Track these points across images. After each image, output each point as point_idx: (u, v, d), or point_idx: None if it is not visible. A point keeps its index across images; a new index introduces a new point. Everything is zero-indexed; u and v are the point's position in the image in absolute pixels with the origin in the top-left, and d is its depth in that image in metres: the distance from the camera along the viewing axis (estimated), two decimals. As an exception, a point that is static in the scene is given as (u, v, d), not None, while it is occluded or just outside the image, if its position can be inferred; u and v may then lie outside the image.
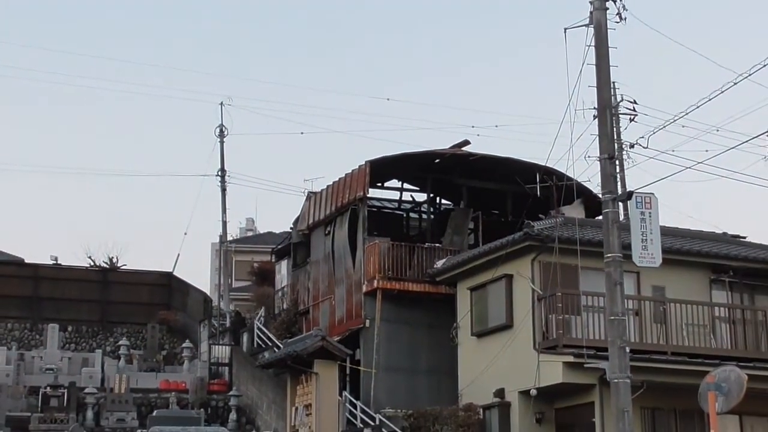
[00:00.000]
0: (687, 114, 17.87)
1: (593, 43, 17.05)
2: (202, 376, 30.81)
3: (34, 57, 77.20)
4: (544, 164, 21.39)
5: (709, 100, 17.18)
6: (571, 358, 20.47)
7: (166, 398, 28.60)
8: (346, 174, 28.24)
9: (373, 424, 23.48)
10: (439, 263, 25.91)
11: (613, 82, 22.58)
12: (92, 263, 40.71)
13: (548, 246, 21.29)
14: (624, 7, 17.01)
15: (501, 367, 22.55)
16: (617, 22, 17.05)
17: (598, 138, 16.99)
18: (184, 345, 34.08)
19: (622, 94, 28.05)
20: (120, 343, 34.46)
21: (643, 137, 18.25)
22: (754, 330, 23.33)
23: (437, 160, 28.21)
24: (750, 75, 16.50)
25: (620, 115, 26.98)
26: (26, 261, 39.82)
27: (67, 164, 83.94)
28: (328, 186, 29.47)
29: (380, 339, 26.02)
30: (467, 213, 29.06)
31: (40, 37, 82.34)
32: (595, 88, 17.08)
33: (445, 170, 28.60)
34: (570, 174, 20.52)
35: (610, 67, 17.09)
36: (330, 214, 28.98)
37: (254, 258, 43.42)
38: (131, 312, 38.43)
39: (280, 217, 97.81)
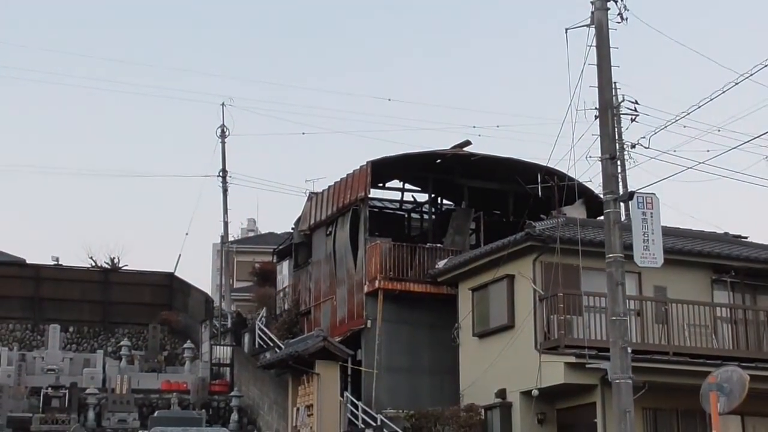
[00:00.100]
0: (688, 114, 17.88)
1: (594, 44, 17.06)
2: (204, 376, 30.81)
3: (34, 57, 77.26)
4: (545, 164, 21.39)
5: (711, 100, 17.19)
6: (572, 359, 20.47)
7: (167, 399, 28.60)
8: (347, 174, 28.26)
9: (374, 424, 23.47)
10: (441, 264, 25.91)
11: (615, 83, 22.65)
12: (94, 264, 40.71)
13: (550, 246, 21.28)
14: (625, 7, 17.03)
15: (502, 367, 22.55)
16: (618, 23, 17.08)
17: (599, 138, 17.00)
18: (185, 345, 34.06)
19: (623, 95, 28.06)
20: (121, 343, 34.43)
21: (644, 137, 18.25)
22: (755, 330, 23.33)
23: (439, 161, 28.21)
24: (751, 75, 16.51)
25: (621, 116, 27.00)
26: (28, 261, 39.78)
27: (68, 165, 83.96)
28: (329, 186, 29.49)
29: (382, 339, 26.03)
30: (469, 213, 29.07)
31: (40, 37, 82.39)
32: (597, 89, 17.09)
33: (447, 170, 28.61)
34: (571, 174, 20.55)
35: (612, 68, 17.10)
36: (331, 215, 28.99)
37: (255, 258, 43.42)
38: (133, 312, 38.41)
39: (281, 217, 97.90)
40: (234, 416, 28.10)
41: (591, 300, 21.38)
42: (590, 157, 17.33)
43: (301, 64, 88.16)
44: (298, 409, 23.23)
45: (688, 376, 20.10)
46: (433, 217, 30.48)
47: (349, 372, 26.29)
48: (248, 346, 31.20)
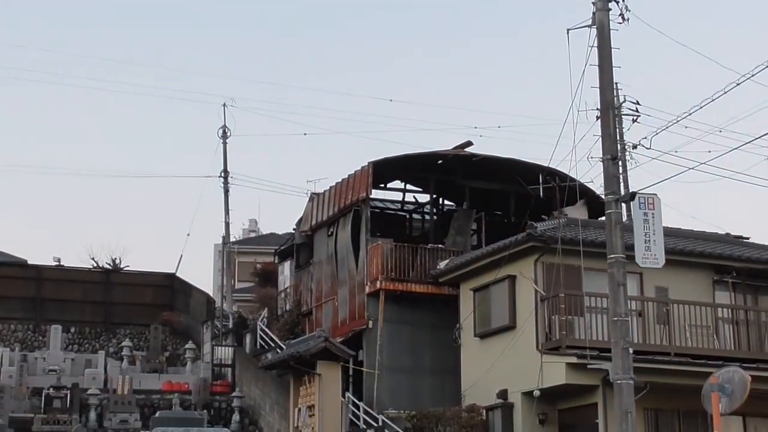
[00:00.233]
0: (690, 115, 17.85)
1: (596, 44, 17.05)
2: (205, 377, 30.83)
3: (34, 57, 77.30)
4: (547, 165, 21.38)
5: (712, 100, 17.17)
6: (574, 359, 20.46)
7: (169, 399, 28.61)
8: (348, 175, 28.27)
9: (376, 425, 23.47)
10: (442, 264, 25.90)
11: (616, 83, 22.58)
12: (95, 264, 40.73)
13: (551, 247, 21.28)
14: (626, 7, 17.02)
15: (504, 368, 22.54)
16: (620, 23, 17.07)
17: (600, 139, 16.99)
18: (186, 346, 34.08)
19: (624, 95, 27.96)
20: (123, 344, 34.45)
21: (645, 138, 18.22)
22: (757, 331, 23.32)
23: (440, 161, 28.21)
24: (753, 76, 16.49)
25: (623, 116, 26.98)
26: (29, 262, 39.82)
27: (69, 165, 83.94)
28: (330, 187, 29.49)
29: (383, 340, 26.03)
30: (470, 214, 29.06)
31: (40, 37, 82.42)
32: (598, 89, 17.08)
33: (448, 171, 28.61)
34: (573, 175, 20.58)
35: (613, 68, 17.10)
36: (333, 215, 29.00)
37: (257, 259, 43.45)
38: (134, 313, 38.45)
39: (282, 218, 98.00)
40: (235, 417, 28.10)
41: (592, 300, 21.38)
42: (592, 157, 17.32)
43: (301, 64, 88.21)
44: (299, 410, 23.23)
45: (690, 376, 20.09)
46: (435, 217, 30.47)
47: (351, 372, 26.27)
48: (250, 347, 31.20)
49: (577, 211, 24.71)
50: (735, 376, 16.66)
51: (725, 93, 16.88)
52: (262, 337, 30.73)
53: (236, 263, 44.24)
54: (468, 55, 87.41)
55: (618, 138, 20.30)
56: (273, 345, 29.38)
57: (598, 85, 17.06)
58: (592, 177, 25.68)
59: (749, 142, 17.60)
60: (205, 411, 27.77)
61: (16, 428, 25.51)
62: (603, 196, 17.44)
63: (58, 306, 37.90)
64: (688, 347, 22.13)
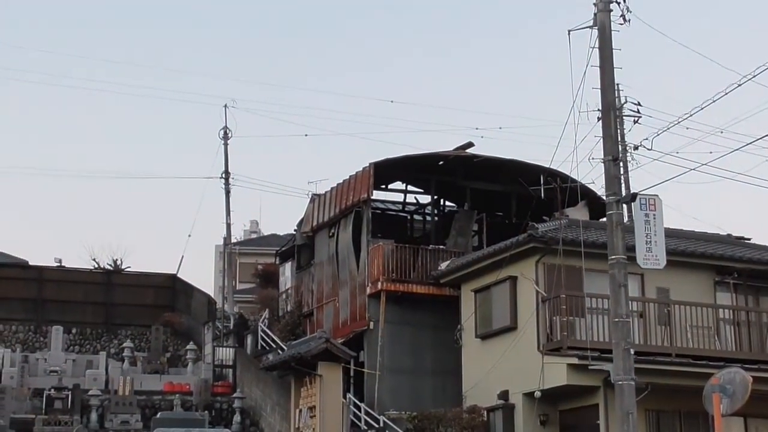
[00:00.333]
0: (691, 116, 17.82)
1: (597, 45, 17.04)
2: (206, 378, 30.83)
3: (35, 58, 77.30)
4: (548, 166, 21.38)
5: (713, 101, 17.14)
6: (575, 360, 20.46)
7: (170, 400, 28.61)
8: (350, 176, 28.27)
9: (377, 426, 23.48)
10: (443, 265, 25.90)
11: (617, 84, 22.56)
12: (96, 265, 40.77)
13: (552, 248, 21.27)
14: (628, 8, 17.01)
15: (505, 369, 22.54)
16: (621, 24, 17.06)
17: (602, 140, 16.98)
18: (188, 347, 34.10)
19: (626, 96, 27.92)
20: (124, 345, 34.48)
21: (647, 139, 18.22)
22: (758, 332, 23.31)
23: (441, 162, 28.20)
24: (754, 77, 16.45)
25: (624, 117, 26.96)
26: (30, 263, 39.86)
27: (71, 167, 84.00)
28: (332, 188, 29.49)
29: (384, 341, 26.03)
30: (471, 215, 29.06)
31: (40, 38, 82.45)
32: (599, 90, 17.07)
33: (449, 172, 28.61)
34: (574, 176, 20.56)
35: (614, 69, 17.09)
36: (334, 216, 29.00)
37: (258, 260, 43.48)
38: (135, 314, 38.47)
39: (284, 219, 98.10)
40: (236, 418, 28.10)
41: (593, 301, 21.37)
42: (593, 158, 17.31)
43: (301, 65, 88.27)
44: (300, 411, 23.22)
45: (691, 377, 20.08)
46: (436, 218, 30.47)
47: (352, 373, 26.27)
48: (251, 348, 31.21)
49: (579, 212, 24.70)
50: (736, 377, 16.65)
51: (726, 94, 16.86)
52: (263, 338, 30.75)
53: (237, 264, 44.29)
54: (468, 56, 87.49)
55: (619, 139, 20.33)
56: (274, 346, 29.40)
57: (599, 86, 17.06)
58: (594, 178, 25.66)
59: (751, 143, 17.61)
60: (206, 412, 27.74)
61: (17, 429, 25.51)
62: (604, 197, 17.45)
63: (59, 307, 37.94)
64: (689, 348, 22.12)
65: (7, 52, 75.62)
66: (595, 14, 17.09)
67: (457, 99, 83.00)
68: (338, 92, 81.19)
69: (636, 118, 26.38)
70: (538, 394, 21.22)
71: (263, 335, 30.81)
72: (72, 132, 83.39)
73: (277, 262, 35.85)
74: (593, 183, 23.10)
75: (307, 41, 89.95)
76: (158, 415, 25.57)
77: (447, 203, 31.60)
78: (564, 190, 22.94)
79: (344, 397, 23.87)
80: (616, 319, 16.44)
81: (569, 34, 16.90)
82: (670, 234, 21.23)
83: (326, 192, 29.86)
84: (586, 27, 17.04)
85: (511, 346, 22.51)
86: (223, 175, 38.48)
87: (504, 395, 22.47)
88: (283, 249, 34.77)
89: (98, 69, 70.14)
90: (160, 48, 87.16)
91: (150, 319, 37.23)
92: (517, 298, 22.90)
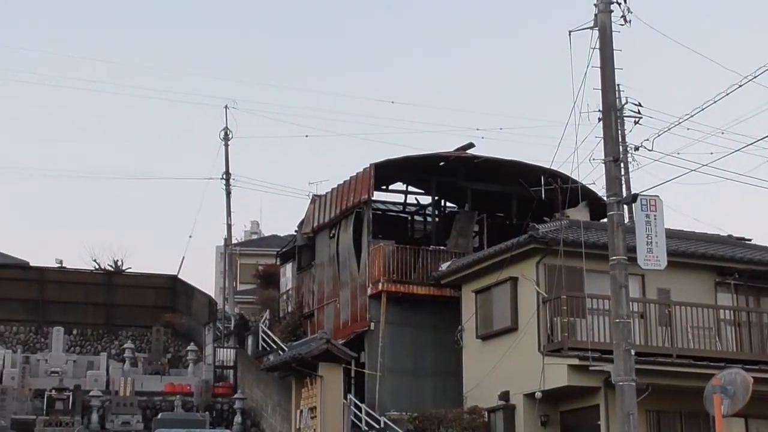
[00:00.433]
0: (692, 116, 17.86)
1: (598, 46, 17.05)
2: (207, 379, 30.83)
3: (35, 59, 77.30)
4: (548, 167, 21.40)
5: (714, 102, 17.16)
6: (576, 361, 20.47)
7: (170, 401, 28.62)
8: (350, 177, 28.27)
9: (378, 426, 23.49)
10: (444, 266, 25.91)
11: (618, 85, 22.59)
12: (97, 266, 40.77)
13: (553, 249, 21.28)
14: (629, 9, 17.02)
15: (506, 369, 22.54)
16: (622, 25, 17.06)
17: (602, 140, 16.99)
18: (188, 348, 34.09)
19: (626, 97, 27.98)
20: (125, 346, 34.49)
21: (648, 140, 18.28)
22: (759, 332, 23.32)
23: (442, 163, 28.21)
24: (755, 77, 16.48)
25: (625, 118, 26.99)
26: (31, 264, 39.87)
27: (71, 167, 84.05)
28: (332, 189, 29.50)
29: (385, 342, 26.03)
30: (472, 216, 29.06)
31: (40, 38, 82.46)
32: (600, 91, 17.07)
33: (450, 173, 28.61)
34: (575, 176, 20.60)
35: (615, 70, 17.09)
36: (335, 217, 29.01)
37: (259, 261, 43.49)
38: (136, 315, 38.48)
39: (284, 220, 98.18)
40: (237, 418, 28.10)
41: (594, 302, 21.38)
42: (593, 159, 17.35)
43: (301, 65, 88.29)
44: (301, 412, 23.22)
45: (692, 378, 20.09)
46: (437, 219, 30.47)
47: (353, 374, 26.28)
48: (251, 349, 31.22)
49: (579, 213, 24.71)
50: (737, 378, 16.65)
51: (727, 95, 16.89)
52: (264, 339, 30.76)
53: (238, 265, 44.29)
54: (468, 56, 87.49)
55: (620, 140, 20.32)
56: (275, 347, 29.40)
57: (599, 87, 17.06)
58: (594, 179, 25.68)
59: (751, 143, 17.65)
60: (207, 413, 27.74)
61: (18, 430, 25.51)
62: (605, 198, 17.45)
63: (60, 308, 37.96)
64: (690, 349, 22.12)
65: (7, 52, 75.67)
66: (595, 15, 17.09)
67: (457, 99, 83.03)
68: (338, 93, 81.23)
69: (637, 119, 26.45)
70: (538, 394, 21.23)
71: (264, 336, 30.81)
72: (72, 132, 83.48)
73: (278, 263, 35.85)
74: (594, 184, 23.14)
75: (307, 41, 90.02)
76: (159, 416, 25.58)
77: (448, 204, 31.60)
78: (565, 190, 22.95)
79: (345, 397, 23.87)
80: (617, 320, 16.44)
81: (570, 34, 16.92)
82: (671, 235, 21.24)
83: (327, 193, 29.87)
84: (587, 28, 17.05)
85: (511, 347, 22.52)
86: (224, 176, 38.49)
87: (505, 396, 22.48)
88: (284, 250, 34.78)
89: (98, 69, 70.11)
90: (161, 48, 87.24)
91: (151, 320, 37.23)
92: (518, 298, 22.90)
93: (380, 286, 26.17)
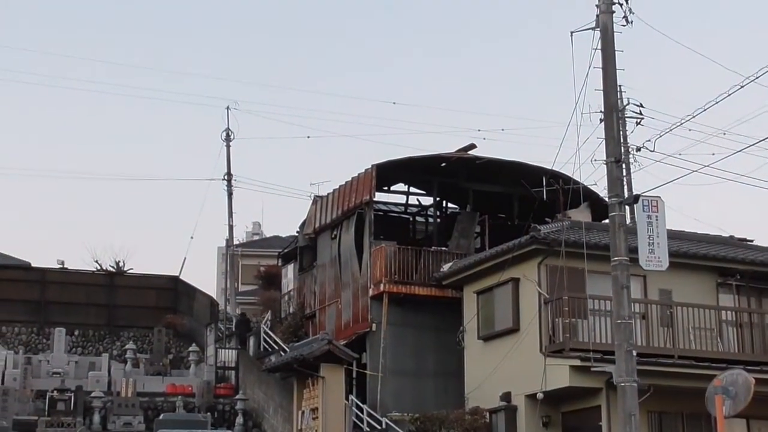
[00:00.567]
0: (693, 117, 17.83)
1: (600, 47, 17.05)
2: (209, 379, 30.83)
3: (35, 59, 77.37)
4: (550, 167, 21.35)
5: (716, 103, 17.13)
6: (577, 362, 20.46)
7: (172, 402, 28.62)
8: (352, 178, 28.27)
9: (379, 427, 23.48)
10: (446, 267, 25.90)
11: (620, 86, 22.56)
12: (99, 267, 40.77)
13: (555, 249, 21.28)
14: (630, 10, 17.02)
15: (507, 370, 22.54)
16: (624, 26, 17.07)
17: (604, 141, 16.99)
18: (190, 349, 34.08)
19: (628, 98, 28.04)
20: (127, 347, 34.49)
21: (649, 140, 18.21)
22: (761, 333, 23.31)
23: (443, 164, 28.21)
24: (757, 78, 16.45)
25: (627, 119, 27.03)
26: (33, 265, 39.89)
27: (73, 168, 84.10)
28: (334, 190, 29.50)
29: (387, 343, 26.02)
30: (473, 216, 29.06)
31: (40, 39, 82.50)
32: (602, 92, 17.07)
33: (452, 174, 28.61)
34: (576, 177, 20.50)
35: (617, 71, 17.08)
36: (336, 218, 29.01)
37: (261, 262, 43.50)
38: (138, 316, 38.47)
39: (286, 221, 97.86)
40: (239, 419, 28.11)
41: (596, 303, 21.38)
42: (595, 160, 17.32)
43: (302, 65, 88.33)
44: (303, 413, 23.23)
45: (694, 379, 20.07)
46: (438, 220, 30.47)
47: (354, 375, 26.29)
48: (253, 350, 31.23)
49: (581, 214, 24.71)
50: (739, 379, 16.62)
51: (729, 95, 16.85)
52: (265, 340, 30.76)
53: (240, 266, 44.31)
54: (469, 56, 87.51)
55: (622, 140, 20.34)
56: (276, 348, 29.41)
57: (601, 88, 17.06)
58: (596, 180, 25.65)
59: (753, 144, 17.62)
60: (208, 414, 27.77)
61: (20, 431, 25.53)
62: (606, 199, 17.44)
63: (61, 309, 37.95)
64: (691, 350, 22.11)
65: (7, 52, 75.72)
66: (597, 15, 17.10)
67: (458, 100, 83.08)
68: (340, 94, 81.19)
69: (638, 120, 26.47)
70: (540, 395, 21.22)
71: (266, 337, 30.82)
72: (72, 133, 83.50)
73: (280, 264, 35.85)
74: (595, 185, 23.02)
75: (307, 41, 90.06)
76: (161, 417, 25.59)
77: (449, 205, 31.62)
78: (566, 191, 22.92)
79: (347, 398, 23.86)
80: (619, 321, 16.44)
81: (572, 35, 16.92)
82: (673, 236, 21.22)
83: (328, 194, 29.87)
84: (589, 29, 17.05)
85: (513, 348, 22.51)
86: (226, 177, 38.50)
87: (506, 397, 22.47)
88: (286, 251, 34.77)
89: (98, 70, 70.28)
90: (161, 49, 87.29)
91: (152, 321, 37.22)
92: (520, 299, 22.90)
93: (382, 287, 26.17)
